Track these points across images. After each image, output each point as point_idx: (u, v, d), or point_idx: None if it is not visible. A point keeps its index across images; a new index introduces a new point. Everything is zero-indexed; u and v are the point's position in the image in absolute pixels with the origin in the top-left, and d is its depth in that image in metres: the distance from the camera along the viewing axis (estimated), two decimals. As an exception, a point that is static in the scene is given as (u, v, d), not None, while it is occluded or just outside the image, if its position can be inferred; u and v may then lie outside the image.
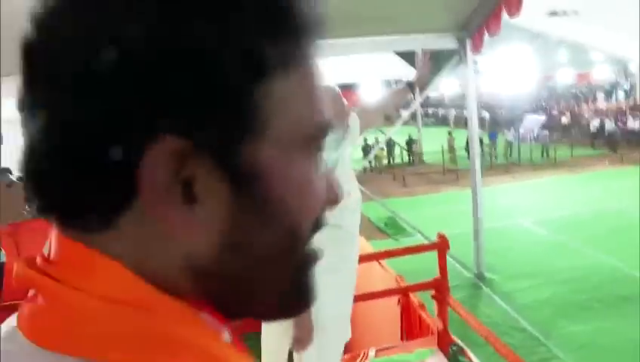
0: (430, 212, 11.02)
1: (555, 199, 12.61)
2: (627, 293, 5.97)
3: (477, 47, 5.42)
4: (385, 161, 21.43)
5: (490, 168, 18.04)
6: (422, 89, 2.53)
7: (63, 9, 0.36)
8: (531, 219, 10.36)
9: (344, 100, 2.18)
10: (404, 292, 3.64)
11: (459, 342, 3.25)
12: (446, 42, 5.49)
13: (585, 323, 5.44)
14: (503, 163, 19.76)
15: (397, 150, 22.06)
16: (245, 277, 0.41)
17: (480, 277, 6.58)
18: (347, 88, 25.86)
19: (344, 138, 2.22)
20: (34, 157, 0.37)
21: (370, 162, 19.84)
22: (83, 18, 0.35)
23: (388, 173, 18.98)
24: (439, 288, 3.28)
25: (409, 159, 21.70)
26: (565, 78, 35.55)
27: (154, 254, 0.38)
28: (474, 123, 6.24)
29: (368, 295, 3.50)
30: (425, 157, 21.07)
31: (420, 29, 5.28)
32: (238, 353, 0.41)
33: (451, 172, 17.50)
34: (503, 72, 29.51)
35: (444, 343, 3.22)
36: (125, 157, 0.34)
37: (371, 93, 23.82)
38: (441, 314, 3.27)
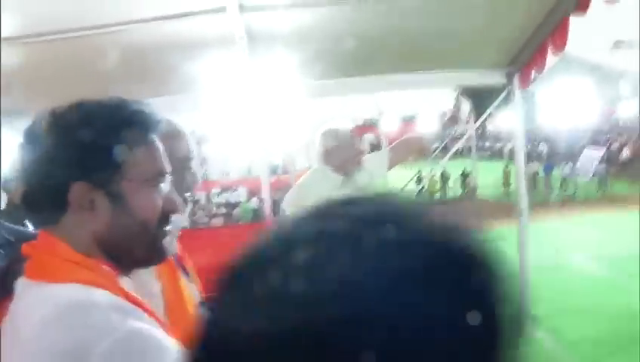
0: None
1: (609, 235, 12.41)
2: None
3: (525, 83, 5.62)
4: (437, 194, 21.46)
5: (545, 202, 17.96)
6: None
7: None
8: (584, 255, 10.25)
9: (357, 141, 2.58)
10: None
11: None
12: (495, 77, 5.70)
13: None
14: (558, 197, 19.46)
15: (451, 182, 22.09)
16: (124, 245, 0.99)
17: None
18: (407, 120, 26.27)
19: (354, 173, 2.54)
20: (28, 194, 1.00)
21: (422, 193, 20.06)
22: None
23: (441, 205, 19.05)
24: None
25: (463, 192, 21.67)
26: (628, 111, 34.77)
27: (78, 234, 0.97)
28: (520, 158, 6.37)
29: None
30: (480, 190, 20.99)
31: (471, 65, 5.55)
32: (118, 288, 0.95)
33: (505, 206, 17.40)
34: (563, 105, 29.25)
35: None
36: (62, 191, 0.94)
37: (428, 125, 24.15)
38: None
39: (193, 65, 4.01)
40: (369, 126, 18.31)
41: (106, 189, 0.90)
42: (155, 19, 3.57)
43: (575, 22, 4.61)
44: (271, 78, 4.27)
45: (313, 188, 2.67)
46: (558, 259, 9.86)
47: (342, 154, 2.63)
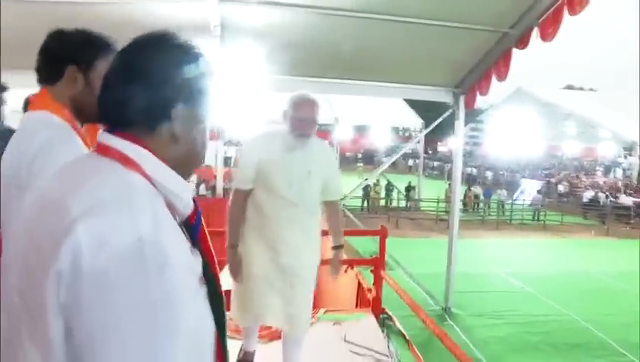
0: (415, 253, 11.73)
1: (535, 257, 13.44)
2: (578, 341, 6.65)
3: (470, 104, 6.17)
4: (382, 202, 22.20)
5: (482, 223, 19.10)
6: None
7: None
8: (507, 270, 11.06)
9: (314, 110, 2.73)
10: (349, 264, 4.66)
11: (388, 311, 4.30)
12: (443, 96, 6.22)
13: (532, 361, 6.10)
14: (495, 219, 20.53)
15: (395, 194, 22.86)
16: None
17: (447, 311, 7.23)
18: (360, 130, 27.02)
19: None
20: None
21: (367, 202, 20.96)
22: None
23: (384, 214, 19.69)
24: (377, 265, 4.44)
25: (406, 204, 22.43)
26: (571, 149, 36.59)
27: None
28: (457, 176, 7.00)
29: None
30: (423, 205, 21.78)
31: (423, 82, 6.05)
32: None
33: (444, 221, 18.23)
34: (510, 136, 30.53)
35: (377, 310, 4.25)
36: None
37: (380, 137, 25.02)
38: (376, 285, 4.36)
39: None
40: (324, 132, 18.85)
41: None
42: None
43: (533, 60, 5.14)
44: (239, 69, 4.61)
45: (267, 138, 2.78)
46: (485, 270, 10.70)
47: (295, 116, 2.66)
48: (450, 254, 7.06)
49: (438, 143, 49.06)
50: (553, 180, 31.49)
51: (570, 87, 56.82)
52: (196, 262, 0.94)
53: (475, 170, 37.68)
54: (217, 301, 0.99)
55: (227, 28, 4.38)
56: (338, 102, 15.97)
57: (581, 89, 56.83)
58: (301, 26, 4.40)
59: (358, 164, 38.78)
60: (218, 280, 1.01)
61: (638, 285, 9.95)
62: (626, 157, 35.44)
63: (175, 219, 0.94)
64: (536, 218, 21.57)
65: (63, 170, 0.96)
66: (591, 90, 44.76)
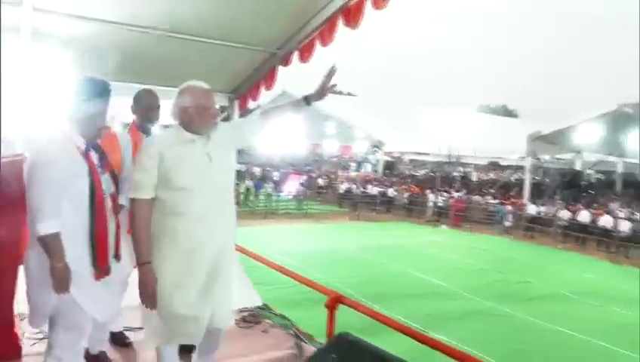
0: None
1: (298, 239, 15.57)
2: (317, 297, 8.37)
3: (242, 107, 7.36)
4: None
5: (252, 213, 21.00)
6: (320, 99, 2.90)
7: None
8: (277, 250, 12.75)
9: (211, 101, 2.65)
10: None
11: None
12: (220, 100, 7.28)
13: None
14: (263, 210, 22.59)
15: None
16: None
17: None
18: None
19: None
20: None
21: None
22: None
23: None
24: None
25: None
26: (331, 148, 40.65)
27: None
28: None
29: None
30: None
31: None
32: None
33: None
34: (277, 135, 33.02)
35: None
36: None
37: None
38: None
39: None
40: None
41: None
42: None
43: (295, 70, 6.34)
44: (46, 72, 5.10)
45: (163, 141, 2.61)
46: (256, 251, 12.32)
47: (193, 112, 2.56)
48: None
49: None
50: (314, 175, 34.89)
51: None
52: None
53: (244, 166, 39.69)
54: None
55: (39, 34, 4.85)
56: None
57: (340, 93, 62.78)
58: (108, 38, 5.10)
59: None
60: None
61: (377, 255, 12.78)
62: (374, 153, 40.66)
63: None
64: (300, 208, 24.17)
65: None
66: (349, 94, 49.47)
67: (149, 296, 2.52)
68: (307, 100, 2.93)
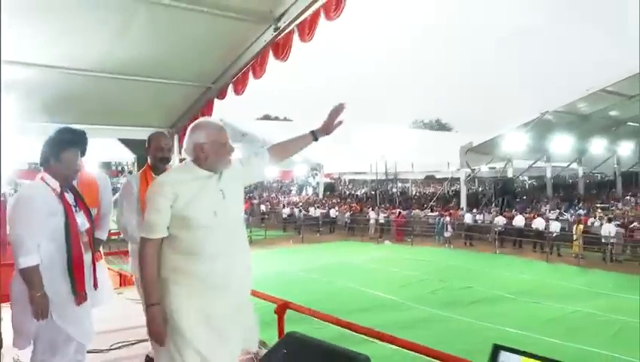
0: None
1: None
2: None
3: (181, 141, 7.61)
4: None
5: None
6: (327, 134, 2.90)
7: None
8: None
9: (225, 138, 2.60)
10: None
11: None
12: (160, 134, 7.53)
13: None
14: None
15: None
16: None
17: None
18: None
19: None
20: None
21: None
22: None
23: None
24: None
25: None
26: (271, 173, 40.85)
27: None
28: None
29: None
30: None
31: (145, 124, 7.27)
32: None
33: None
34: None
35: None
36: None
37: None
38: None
39: None
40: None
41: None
42: None
43: (232, 99, 6.60)
44: None
45: (177, 180, 2.55)
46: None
47: (208, 148, 2.52)
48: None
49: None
50: (256, 201, 35.03)
51: (267, 117, 62.73)
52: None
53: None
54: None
55: None
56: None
57: (276, 118, 63.27)
58: (47, 81, 5.27)
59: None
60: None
61: (323, 274, 13.20)
62: (313, 176, 41.26)
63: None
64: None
65: None
66: (285, 119, 49.74)
67: (159, 335, 2.48)
68: (314, 135, 2.96)
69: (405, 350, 3.27)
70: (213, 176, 2.58)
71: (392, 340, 2.95)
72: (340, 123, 2.93)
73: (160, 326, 2.46)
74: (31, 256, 2.81)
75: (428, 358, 3.15)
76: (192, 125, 2.66)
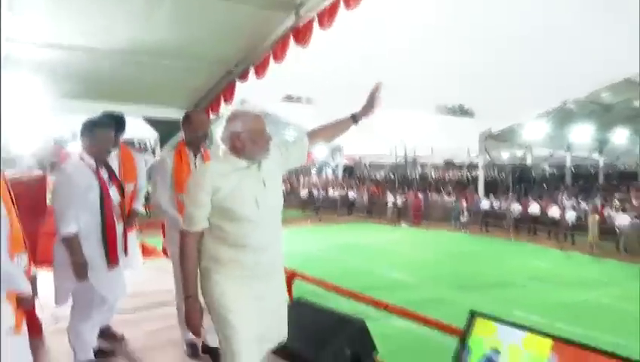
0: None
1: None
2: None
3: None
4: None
5: None
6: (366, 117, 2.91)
7: None
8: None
9: (262, 126, 2.57)
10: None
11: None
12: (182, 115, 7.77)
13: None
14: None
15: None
16: None
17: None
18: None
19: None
20: None
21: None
22: None
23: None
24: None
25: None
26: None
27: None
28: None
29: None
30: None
31: (168, 104, 7.55)
32: None
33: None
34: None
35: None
36: None
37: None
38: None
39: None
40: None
41: None
42: None
43: (253, 82, 6.72)
44: (21, 95, 5.56)
45: (217, 172, 2.51)
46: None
47: (246, 137, 2.51)
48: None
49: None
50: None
51: (289, 98, 62.04)
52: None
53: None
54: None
55: (10, 60, 5.28)
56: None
57: (299, 99, 62.53)
58: (75, 62, 5.56)
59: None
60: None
61: (339, 254, 13.54)
62: (333, 158, 41.41)
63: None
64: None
65: None
66: (308, 101, 49.35)
67: (195, 326, 2.53)
68: (354, 118, 2.96)
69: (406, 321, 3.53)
70: (252, 165, 2.54)
71: (386, 306, 3.24)
72: (380, 102, 2.94)
73: (196, 318, 2.51)
74: (71, 226, 3.20)
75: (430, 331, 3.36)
76: (228, 115, 2.64)
